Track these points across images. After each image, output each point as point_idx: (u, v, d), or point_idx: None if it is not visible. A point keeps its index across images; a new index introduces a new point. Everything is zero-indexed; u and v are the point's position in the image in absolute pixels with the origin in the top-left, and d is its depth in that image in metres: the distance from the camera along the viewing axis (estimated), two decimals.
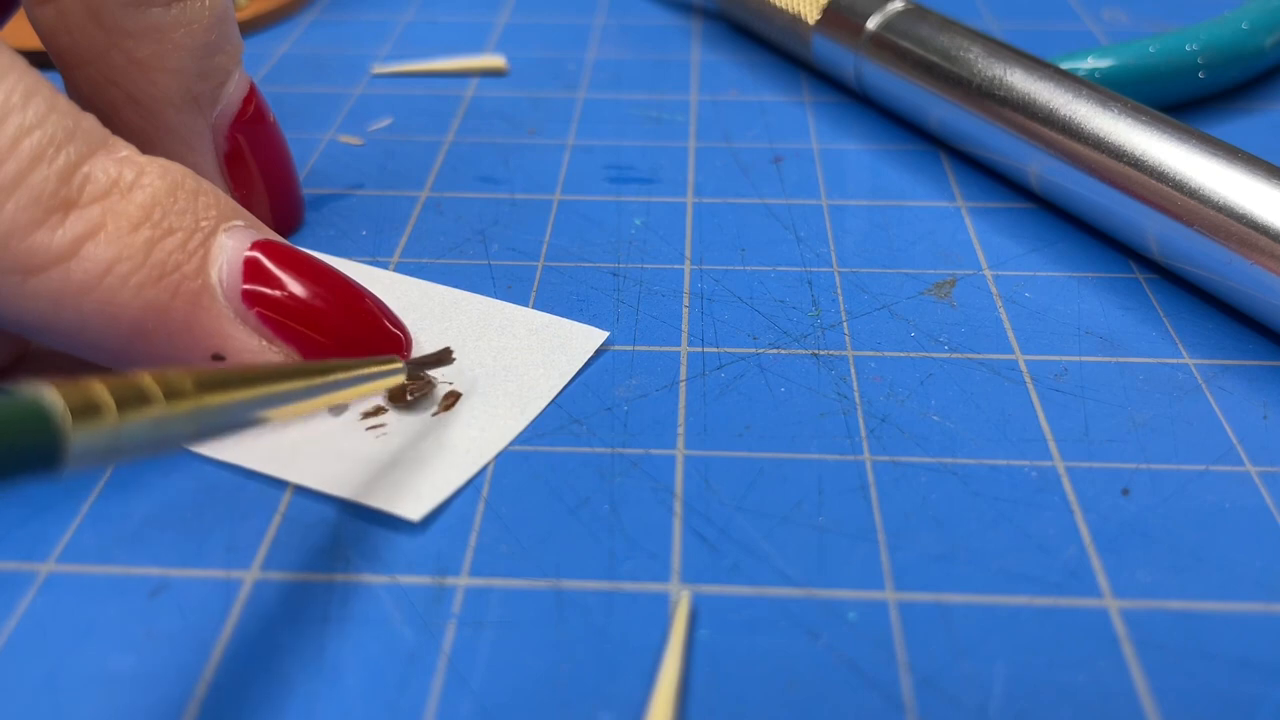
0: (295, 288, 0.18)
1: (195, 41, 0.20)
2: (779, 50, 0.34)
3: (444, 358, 0.19)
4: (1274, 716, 0.15)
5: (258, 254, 0.18)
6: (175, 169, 0.18)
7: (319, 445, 0.19)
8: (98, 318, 0.17)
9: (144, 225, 0.17)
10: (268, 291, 0.18)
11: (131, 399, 0.12)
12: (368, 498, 0.18)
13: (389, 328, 0.20)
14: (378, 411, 0.19)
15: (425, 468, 0.18)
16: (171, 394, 0.13)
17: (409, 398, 0.19)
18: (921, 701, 0.15)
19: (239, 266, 0.18)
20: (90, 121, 0.17)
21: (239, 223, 0.19)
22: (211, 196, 0.18)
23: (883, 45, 0.28)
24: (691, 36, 0.35)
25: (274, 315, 0.18)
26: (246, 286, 0.18)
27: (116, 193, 0.17)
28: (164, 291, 0.17)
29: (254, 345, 0.18)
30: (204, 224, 0.18)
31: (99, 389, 0.12)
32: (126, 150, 0.18)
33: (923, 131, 0.29)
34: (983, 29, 0.33)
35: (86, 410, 0.11)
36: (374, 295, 0.20)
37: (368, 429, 0.19)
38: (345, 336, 0.19)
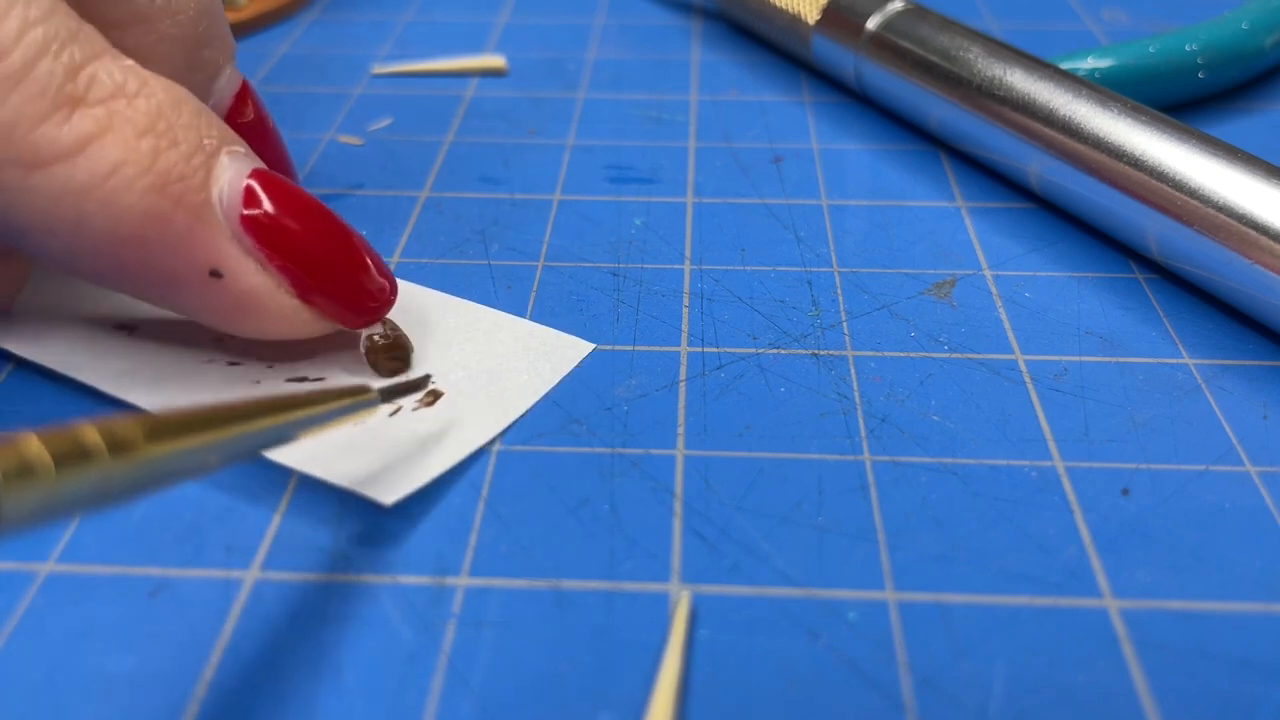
0: (289, 221, 0.18)
1: (182, 32, 0.20)
2: (779, 50, 0.34)
3: (420, 384, 0.19)
4: (1274, 716, 0.15)
5: (255, 183, 0.18)
6: (178, 87, 0.18)
7: None
8: (98, 219, 0.17)
9: (149, 133, 0.17)
10: (264, 221, 0.18)
11: (71, 456, 0.11)
12: (342, 479, 0.17)
13: (374, 274, 0.20)
14: None
15: (401, 457, 0.18)
16: (117, 447, 0.12)
17: (384, 356, 0.20)
18: (921, 701, 0.15)
19: (240, 190, 0.18)
20: (91, 30, 0.17)
21: (240, 149, 0.19)
22: (214, 117, 0.18)
23: (883, 45, 0.28)
24: (691, 36, 0.35)
25: (268, 245, 0.18)
26: (245, 212, 0.18)
27: (123, 97, 0.17)
28: (167, 200, 0.17)
29: (250, 266, 0.18)
30: (207, 142, 0.18)
31: (35, 448, 0.11)
32: (130, 60, 0.18)
33: (923, 131, 0.29)
34: (983, 29, 0.33)
35: (20, 472, 0.11)
36: (363, 238, 0.20)
37: None
38: (333, 275, 0.19)
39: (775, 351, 0.21)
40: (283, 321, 0.19)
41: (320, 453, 0.18)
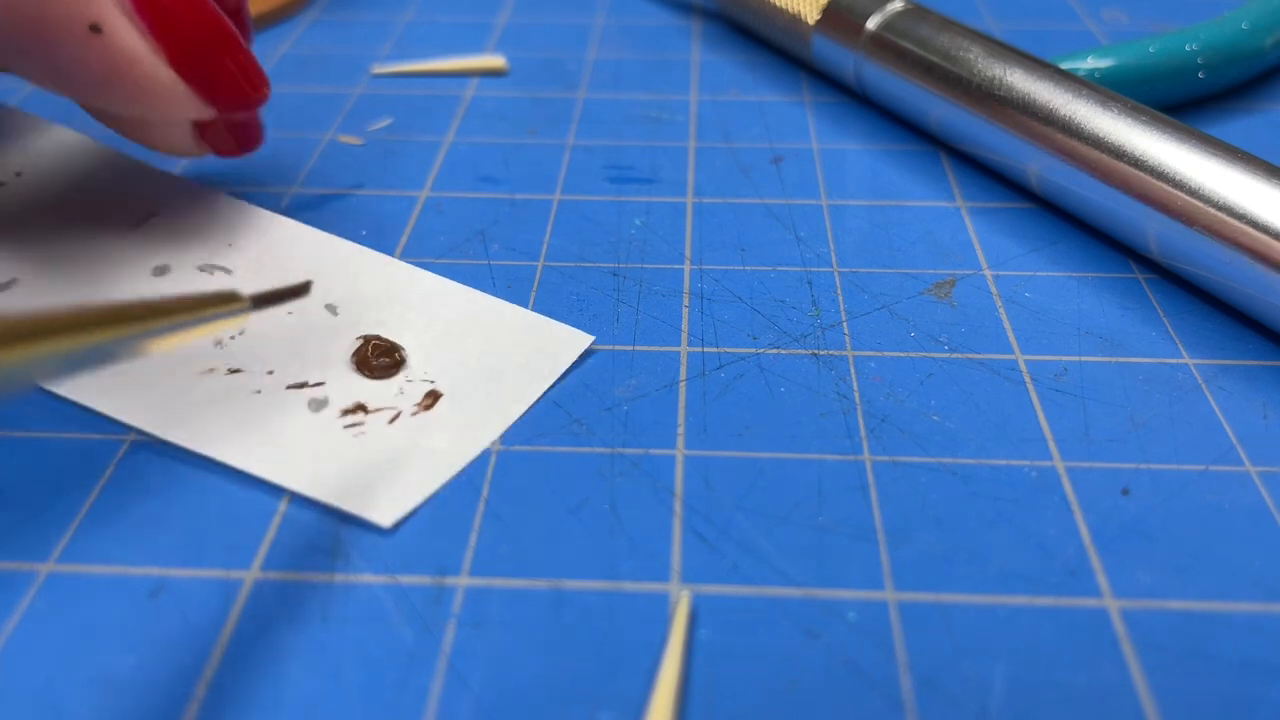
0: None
1: None
2: (779, 50, 0.34)
3: (300, 290, 0.18)
4: (1274, 717, 0.15)
5: None
6: None
7: (295, 442, 0.19)
8: None
9: None
10: None
11: None
12: (341, 500, 0.18)
13: (246, 64, 0.20)
14: (356, 409, 0.19)
15: (399, 472, 0.18)
16: None
17: (375, 363, 0.20)
18: (921, 701, 0.15)
19: None
20: None
21: None
22: None
23: (883, 45, 0.28)
24: (691, 36, 0.35)
25: (146, 11, 0.18)
26: None
27: None
28: None
29: (129, 26, 0.18)
30: None
31: None
32: None
33: (923, 131, 0.29)
34: (983, 29, 0.33)
35: None
36: (240, 36, 0.20)
37: (345, 427, 0.19)
38: (207, 54, 0.19)
39: (775, 351, 0.21)
40: (157, 93, 0.19)
41: (318, 471, 0.18)
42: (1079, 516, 0.17)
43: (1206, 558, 0.17)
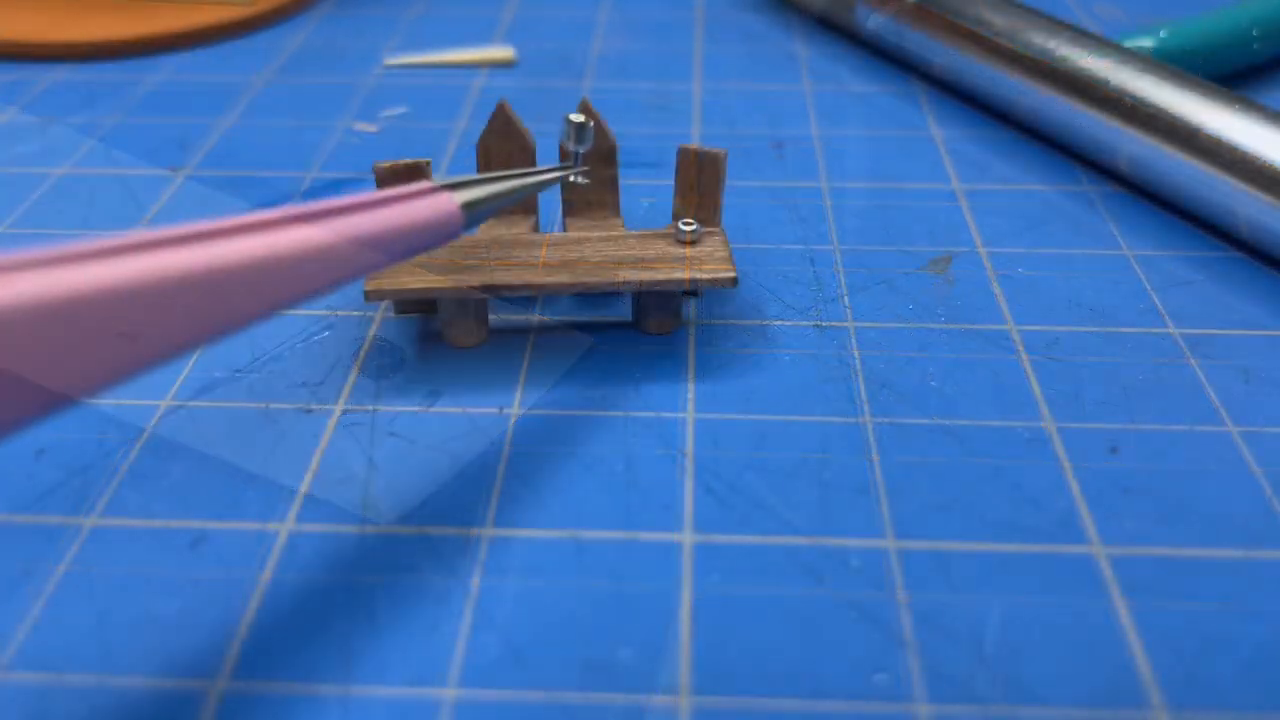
0: None
1: None
2: (819, 19, 0.36)
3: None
4: (1250, 653, 0.16)
5: None
6: None
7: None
8: None
9: None
10: None
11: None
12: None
13: None
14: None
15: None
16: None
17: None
18: (920, 637, 0.16)
19: None
20: None
21: None
22: None
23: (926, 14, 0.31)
24: (695, 28, 0.36)
25: None
26: None
27: None
28: None
29: None
30: None
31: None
32: None
33: (918, 118, 0.30)
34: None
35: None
36: None
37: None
38: None
39: (779, 323, 0.22)
40: None
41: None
42: (1069, 473, 0.18)
43: (1189, 509, 0.18)
